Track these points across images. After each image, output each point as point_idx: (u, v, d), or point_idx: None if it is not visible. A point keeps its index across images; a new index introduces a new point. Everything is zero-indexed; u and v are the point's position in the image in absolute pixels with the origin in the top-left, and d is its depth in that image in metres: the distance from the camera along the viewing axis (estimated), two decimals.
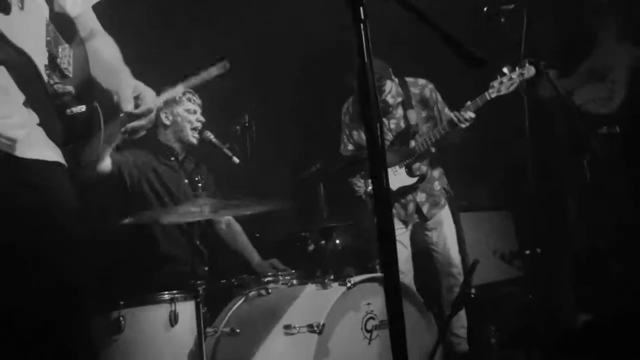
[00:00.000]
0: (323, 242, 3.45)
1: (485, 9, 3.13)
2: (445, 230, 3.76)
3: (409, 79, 3.83)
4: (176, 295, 2.62)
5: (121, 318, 2.52)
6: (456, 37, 1.44)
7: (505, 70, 3.39)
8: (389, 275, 1.34)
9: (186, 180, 3.33)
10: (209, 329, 2.64)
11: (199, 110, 3.38)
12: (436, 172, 3.82)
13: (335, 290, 2.61)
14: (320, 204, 3.72)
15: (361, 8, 1.35)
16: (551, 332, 3.09)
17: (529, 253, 3.23)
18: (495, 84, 3.41)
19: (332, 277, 2.79)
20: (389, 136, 3.75)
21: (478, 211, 4.51)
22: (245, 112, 3.66)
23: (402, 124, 3.76)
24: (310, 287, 2.76)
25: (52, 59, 1.59)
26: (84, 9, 1.81)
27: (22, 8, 1.50)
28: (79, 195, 1.64)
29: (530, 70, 3.34)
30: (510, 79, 3.38)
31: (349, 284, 2.60)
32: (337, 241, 3.68)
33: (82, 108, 1.61)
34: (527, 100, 3.21)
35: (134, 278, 2.97)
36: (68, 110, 1.58)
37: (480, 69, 1.46)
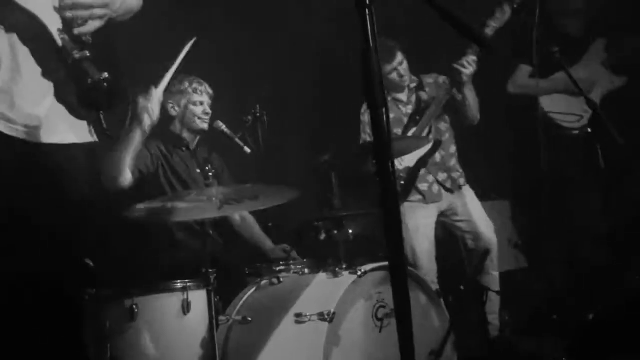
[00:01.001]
0: (335, 231, 3.45)
1: None
2: (470, 202, 3.74)
3: (423, 75, 3.89)
4: (188, 284, 2.62)
5: (134, 306, 2.53)
6: (464, 19, 1.43)
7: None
8: (393, 261, 1.35)
9: (198, 170, 3.35)
10: (221, 317, 2.65)
11: (206, 101, 3.38)
12: (452, 148, 3.81)
13: (346, 278, 2.61)
14: (333, 193, 3.71)
15: None
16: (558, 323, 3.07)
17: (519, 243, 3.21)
18: (491, 22, 3.42)
19: (343, 266, 2.79)
20: (406, 110, 3.77)
21: (491, 200, 4.47)
22: (256, 101, 3.65)
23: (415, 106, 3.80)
24: (321, 276, 2.76)
25: (67, 24, 1.54)
26: None
27: None
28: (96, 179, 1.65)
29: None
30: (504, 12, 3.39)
31: (359, 273, 2.59)
32: (350, 230, 3.66)
33: (105, 75, 1.53)
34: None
35: (148, 266, 3.01)
36: (89, 80, 1.51)
37: (487, 51, 1.45)
